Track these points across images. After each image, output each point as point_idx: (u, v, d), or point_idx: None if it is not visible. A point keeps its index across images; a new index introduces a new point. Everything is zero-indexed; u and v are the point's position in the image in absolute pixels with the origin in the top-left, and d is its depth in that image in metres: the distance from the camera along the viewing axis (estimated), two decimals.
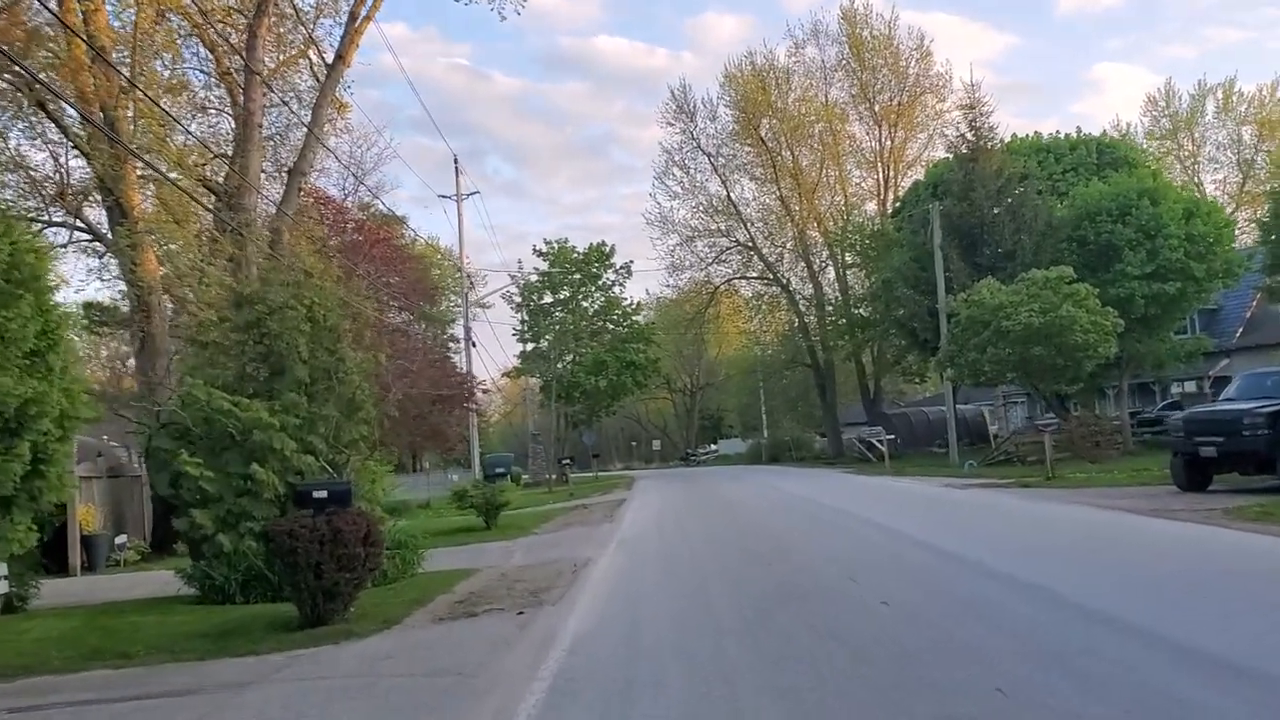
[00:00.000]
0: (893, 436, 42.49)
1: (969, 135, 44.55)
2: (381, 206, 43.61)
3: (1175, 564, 10.21)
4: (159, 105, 20.81)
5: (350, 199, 42.69)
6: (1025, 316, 32.73)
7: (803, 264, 66.67)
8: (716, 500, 25.93)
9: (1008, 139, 48.08)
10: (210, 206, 23.22)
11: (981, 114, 44.72)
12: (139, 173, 23.56)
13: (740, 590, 9.79)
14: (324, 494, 10.19)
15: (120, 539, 19.49)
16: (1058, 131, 53.34)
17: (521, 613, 9.84)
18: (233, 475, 13.15)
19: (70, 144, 21.97)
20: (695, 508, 23.65)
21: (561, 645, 7.90)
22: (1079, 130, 53.88)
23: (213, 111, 31.55)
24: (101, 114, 21.89)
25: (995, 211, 41.63)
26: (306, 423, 13.56)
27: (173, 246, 23.96)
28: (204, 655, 9.03)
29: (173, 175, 25.72)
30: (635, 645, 7.66)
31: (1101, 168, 47.74)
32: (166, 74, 27.11)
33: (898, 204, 59.17)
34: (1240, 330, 44.90)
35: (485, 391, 45.14)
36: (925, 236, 42.44)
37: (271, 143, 33.87)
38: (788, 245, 67.75)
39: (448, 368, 39.25)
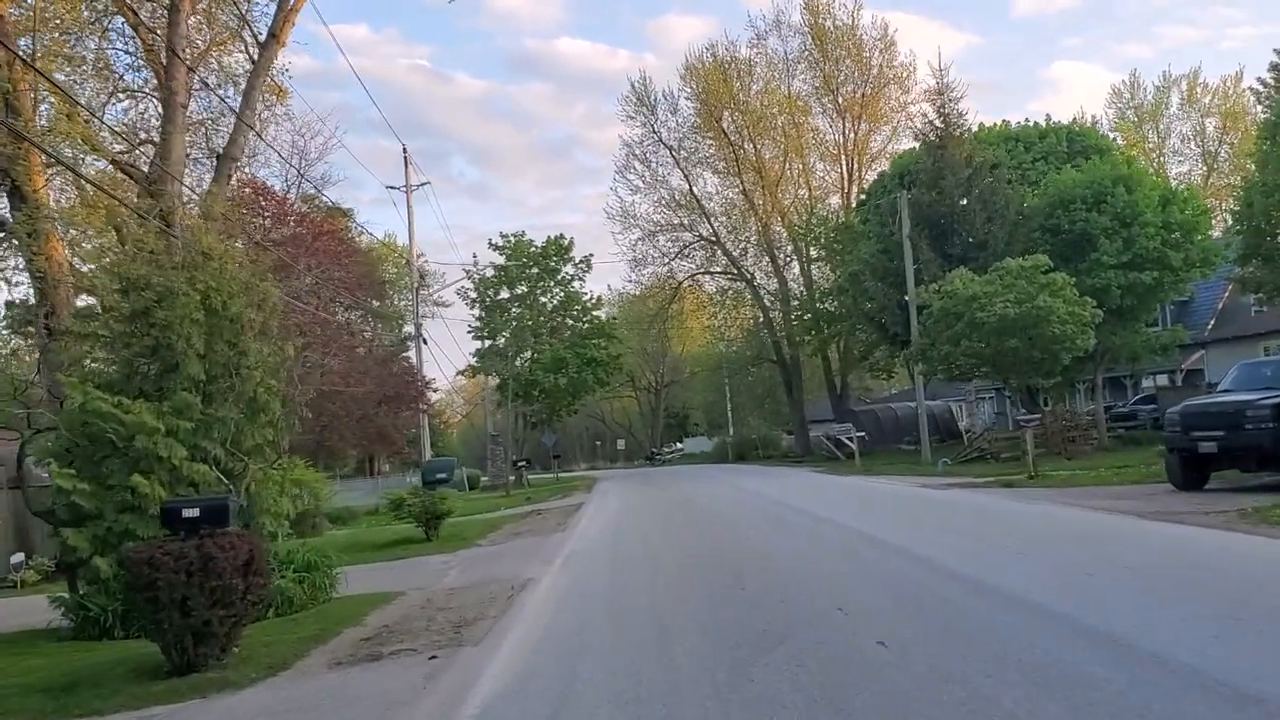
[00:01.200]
0: (862, 434, 41.04)
1: (937, 122, 43.28)
2: (326, 199, 41.63)
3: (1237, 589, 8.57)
4: (49, 79, 18.76)
5: (292, 191, 40.68)
6: (1000, 307, 31.39)
7: (767, 258, 65.35)
8: (679, 503, 24.23)
9: (975, 129, 46.86)
10: (119, 198, 21.16)
11: (950, 100, 43.48)
12: (44, 156, 21.51)
13: (706, 629, 8.06)
14: (195, 512, 8.40)
15: (16, 558, 17.47)
16: (1027, 120, 52.34)
17: (434, 657, 8.11)
18: (115, 489, 11.29)
19: None
20: (656, 512, 21.95)
21: (471, 708, 6.19)
22: (1048, 119, 52.84)
23: (140, 96, 29.55)
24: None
25: (965, 200, 40.34)
26: (201, 426, 11.73)
27: (77, 233, 21.89)
28: (35, 719, 7.24)
29: (88, 159, 23.75)
30: (564, 715, 5.94)
31: (1072, 156, 46.70)
32: (86, 54, 25.00)
33: (863, 197, 57.98)
34: (1212, 322, 44.03)
35: (435, 391, 43.20)
36: (893, 227, 41.07)
37: (204, 128, 31.80)
38: (751, 239, 66.43)
39: (396, 367, 37.39)
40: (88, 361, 12.11)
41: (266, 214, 35.00)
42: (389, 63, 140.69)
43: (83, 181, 24.42)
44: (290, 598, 11.30)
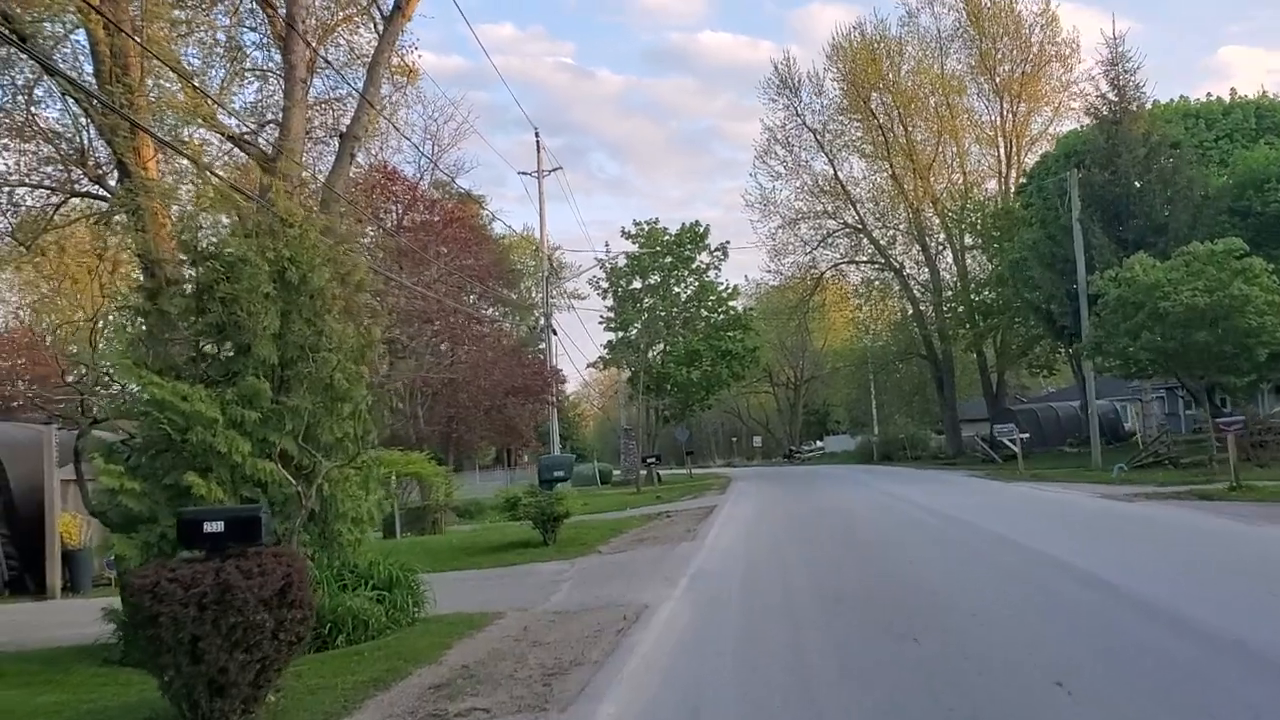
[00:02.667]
0: (1026, 434, 37.55)
1: (1111, 96, 39.32)
2: (459, 187, 40.65)
3: None
4: (145, 46, 17.66)
5: (425, 178, 39.84)
6: (1187, 296, 27.77)
7: (917, 247, 61.80)
8: (824, 514, 21.66)
9: (1149, 105, 42.52)
10: (222, 176, 20.09)
11: (1125, 71, 39.38)
12: (160, 130, 20.68)
13: (870, 714, 5.87)
14: (219, 526, 6.67)
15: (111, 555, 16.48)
16: (1209, 94, 47.53)
17: None
18: (170, 489, 9.80)
19: (68, 94, 19.09)
20: (798, 524, 19.57)
21: None
22: (1233, 93, 47.93)
23: (269, 75, 28.96)
24: (110, 58, 18.99)
25: (1142, 181, 36.43)
26: (272, 417, 10.12)
27: (180, 209, 20.95)
28: None
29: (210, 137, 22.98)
30: None
31: (1261, 133, 42.16)
32: (200, 28, 24.27)
33: (1023, 180, 53.95)
34: None
35: (565, 382, 41.77)
36: (1061, 209, 37.37)
37: (331, 109, 30.95)
38: (900, 227, 62.98)
39: (525, 357, 36.06)
40: (150, 341, 10.63)
41: (397, 199, 34.11)
42: (535, 61, 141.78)
43: (202, 161, 23.71)
44: (365, 620, 9.57)
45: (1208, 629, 7.52)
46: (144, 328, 10.60)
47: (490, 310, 38.83)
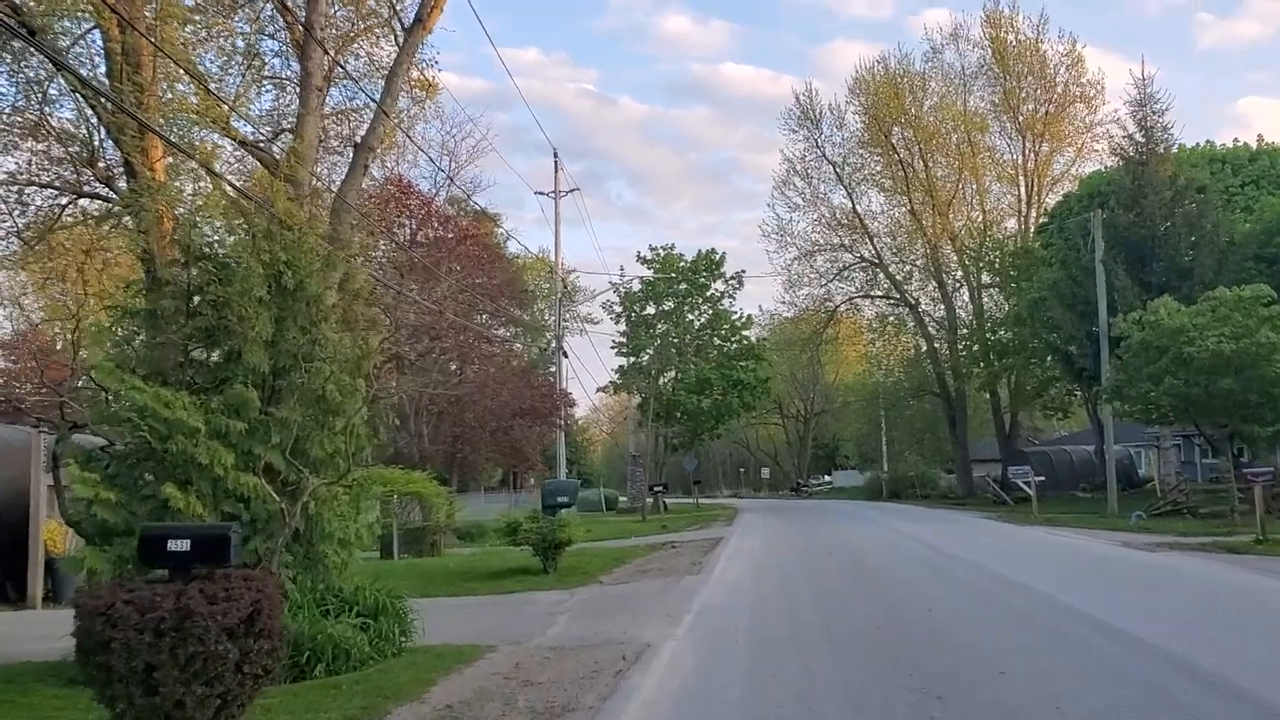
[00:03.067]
0: (1041, 478, 36.76)
1: (1138, 137, 38.77)
2: (475, 204, 40.29)
3: None
4: (158, 45, 17.28)
5: (440, 194, 39.51)
6: (1213, 342, 27.08)
7: (934, 283, 61.18)
8: (834, 551, 20.94)
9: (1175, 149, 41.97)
10: (227, 179, 19.73)
11: (1153, 112, 38.84)
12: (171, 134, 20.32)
13: None
14: (184, 545, 6.10)
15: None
16: (1236, 140, 47.03)
17: None
18: (149, 500, 9.27)
19: (77, 90, 18.75)
20: (806, 562, 18.85)
21: None
22: (1260, 140, 47.45)
23: (286, 83, 28.71)
24: (122, 57, 18.66)
25: (1168, 224, 35.84)
26: (259, 428, 9.59)
27: (184, 211, 20.56)
28: None
29: (214, 139, 22.68)
30: None
31: None
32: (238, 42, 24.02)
33: (1044, 220, 53.44)
34: None
35: (574, 406, 41.17)
36: (1084, 250, 36.76)
37: (348, 119, 30.66)
38: (917, 263, 62.40)
39: (535, 379, 35.53)
40: (136, 344, 10.12)
41: (411, 214, 33.74)
42: (557, 86, 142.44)
43: (215, 166, 23.38)
44: (347, 649, 8.96)
45: (1258, 697, 6.88)
46: (131, 329, 10.10)
47: (501, 330, 38.37)
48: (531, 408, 32.12)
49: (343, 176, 27.74)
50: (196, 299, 9.96)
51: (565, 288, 39.37)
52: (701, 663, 8.80)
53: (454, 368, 35.40)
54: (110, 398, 9.70)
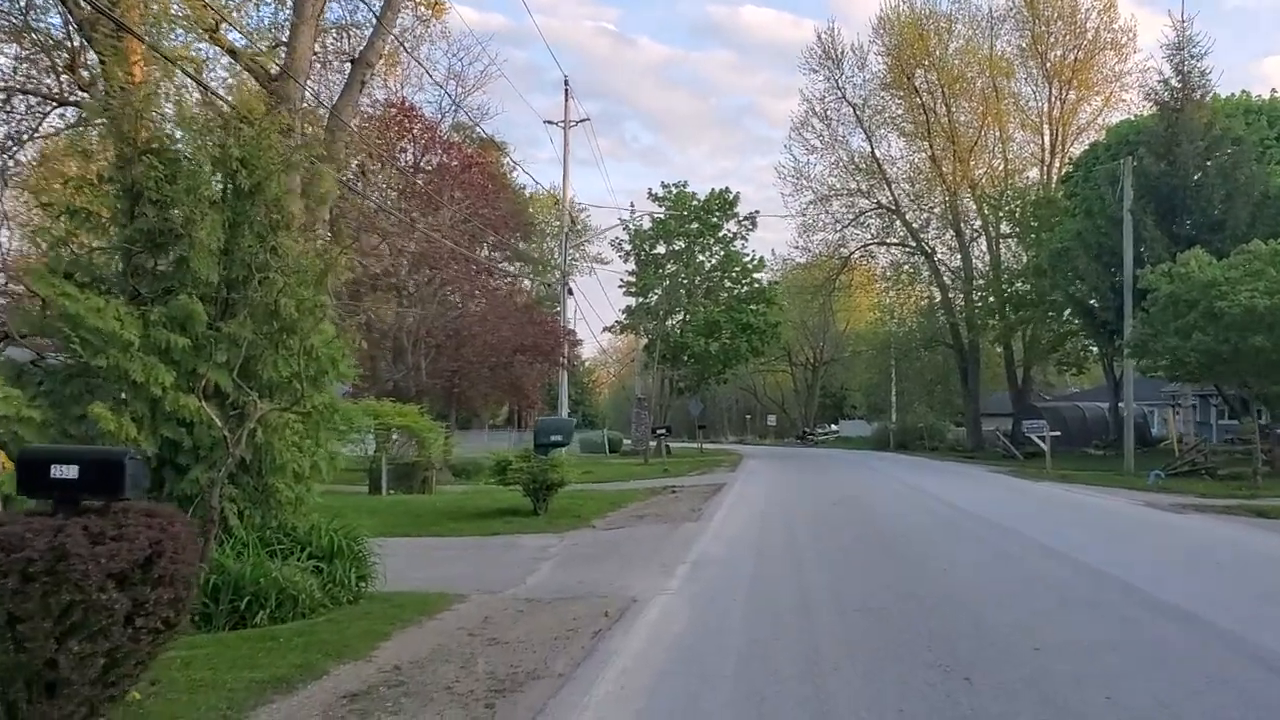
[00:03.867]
0: (1057, 433, 35.69)
1: (1174, 81, 36.98)
2: (481, 131, 38.84)
3: None
4: None
5: (446, 120, 38.08)
6: (1246, 297, 25.79)
7: (951, 232, 59.68)
8: (842, 504, 19.79)
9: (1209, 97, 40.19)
10: (213, 90, 18.52)
11: (1191, 56, 37.03)
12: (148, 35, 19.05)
13: None
14: (70, 471, 5.05)
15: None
16: (1274, 90, 45.16)
17: None
18: (81, 421, 8.23)
19: None
20: (813, 512, 17.83)
21: None
22: None
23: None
24: None
25: (1201, 174, 34.28)
26: (205, 345, 8.52)
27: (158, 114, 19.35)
28: None
29: (200, 47, 21.48)
30: None
31: None
32: None
33: (1069, 168, 51.76)
34: None
35: (578, 343, 40.08)
36: (1112, 199, 35.28)
37: (348, 34, 29.19)
38: (935, 210, 60.83)
39: (538, 315, 34.38)
40: (74, 246, 9.01)
41: (414, 139, 32.38)
42: (575, 24, 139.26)
43: (205, 80, 22.15)
44: (295, 595, 7.97)
45: None
46: (69, 230, 8.98)
47: (505, 264, 37.18)
48: (534, 344, 30.99)
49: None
50: (140, 198, 8.84)
51: (573, 222, 38.07)
52: (693, 624, 7.78)
53: (455, 300, 34.28)
54: (42, 305, 8.64)
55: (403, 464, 23.11)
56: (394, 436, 22.53)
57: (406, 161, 32.46)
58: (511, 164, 41.61)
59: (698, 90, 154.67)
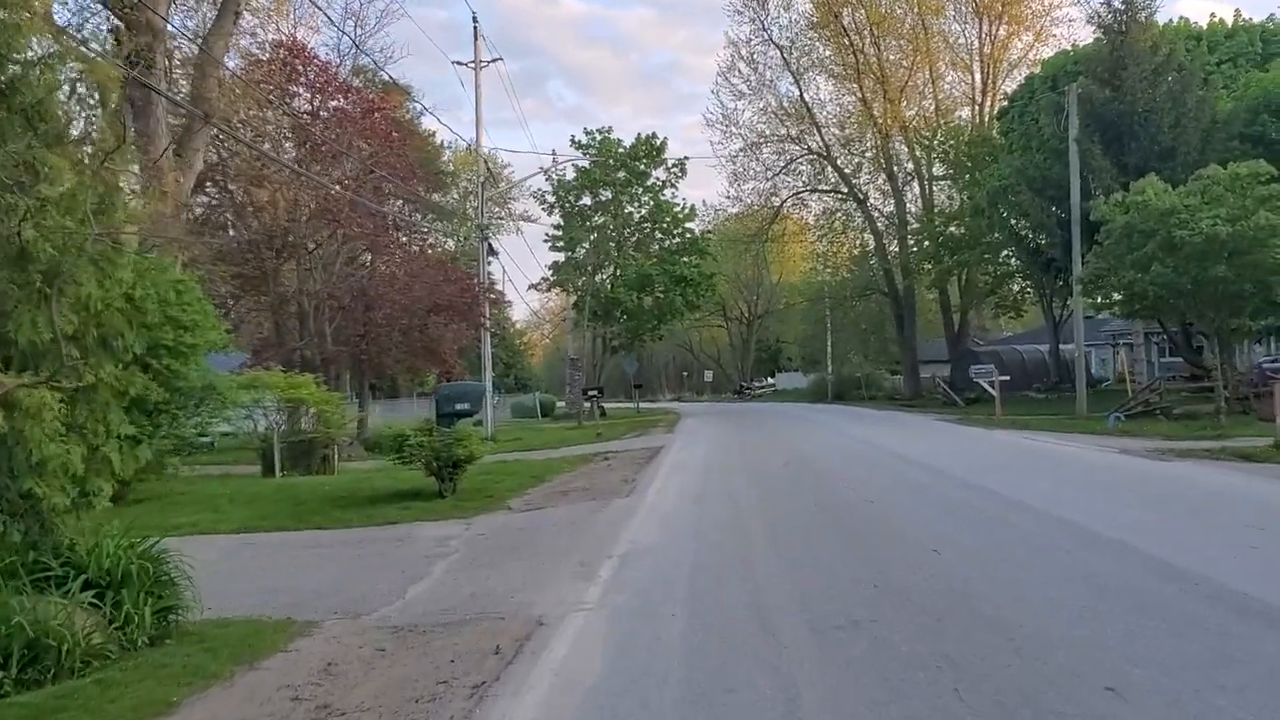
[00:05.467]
0: (1006, 377, 34.25)
1: (1116, 3, 35.28)
2: (385, 75, 35.79)
3: None
4: None
5: (345, 63, 35.03)
6: (1207, 225, 24.28)
7: (883, 176, 58.07)
8: (790, 462, 17.67)
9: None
10: None
11: None
12: None
13: None
14: None
15: None
16: (1212, 15, 43.94)
17: None
18: None
19: None
20: (760, 478, 15.64)
21: None
22: (1237, 15, 44.42)
23: None
24: None
25: (1150, 99, 32.71)
26: None
27: None
28: None
29: None
30: None
31: (1268, 58, 38.74)
32: None
33: (1004, 104, 50.29)
34: None
35: (501, 301, 37.50)
36: (1058, 128, 33.60)
37: None
38: (867, 154, 59.07)
39: (453, 272, 31.75)
40: None
41: (308, 83, 29.33)
42: None
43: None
44: (58, 645, 5.59)
45: None
46: None
47: (415, 216, 34.37)
48: (449, 304, 28.41)
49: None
50: None
51: (489, 171, 35.36)
52: (617, 665, 5.55)
53: (365, 259, 31.53)
54: None
55: (298, 441, 20.58)
56: (271, 410, 19.99)
57: (299, 108, 29.48)
58: (420, 109, 38.68)
59: (620, 48, 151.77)
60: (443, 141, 44.98)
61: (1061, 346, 52.27)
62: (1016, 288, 52.97)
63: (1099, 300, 29.73)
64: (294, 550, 10.63)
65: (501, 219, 65.49)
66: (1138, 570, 7.36)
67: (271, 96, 27.41)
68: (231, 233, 29.74)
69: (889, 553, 8.49)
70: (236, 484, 17.40)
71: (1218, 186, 25.50)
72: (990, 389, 32.61)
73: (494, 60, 32.29)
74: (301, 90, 29.27)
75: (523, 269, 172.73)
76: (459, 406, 14.00)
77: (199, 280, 17.71)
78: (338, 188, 27.33)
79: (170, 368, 15.09)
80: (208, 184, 28.95)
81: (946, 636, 5.69)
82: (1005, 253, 48.38)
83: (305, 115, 29.15)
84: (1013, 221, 37.85)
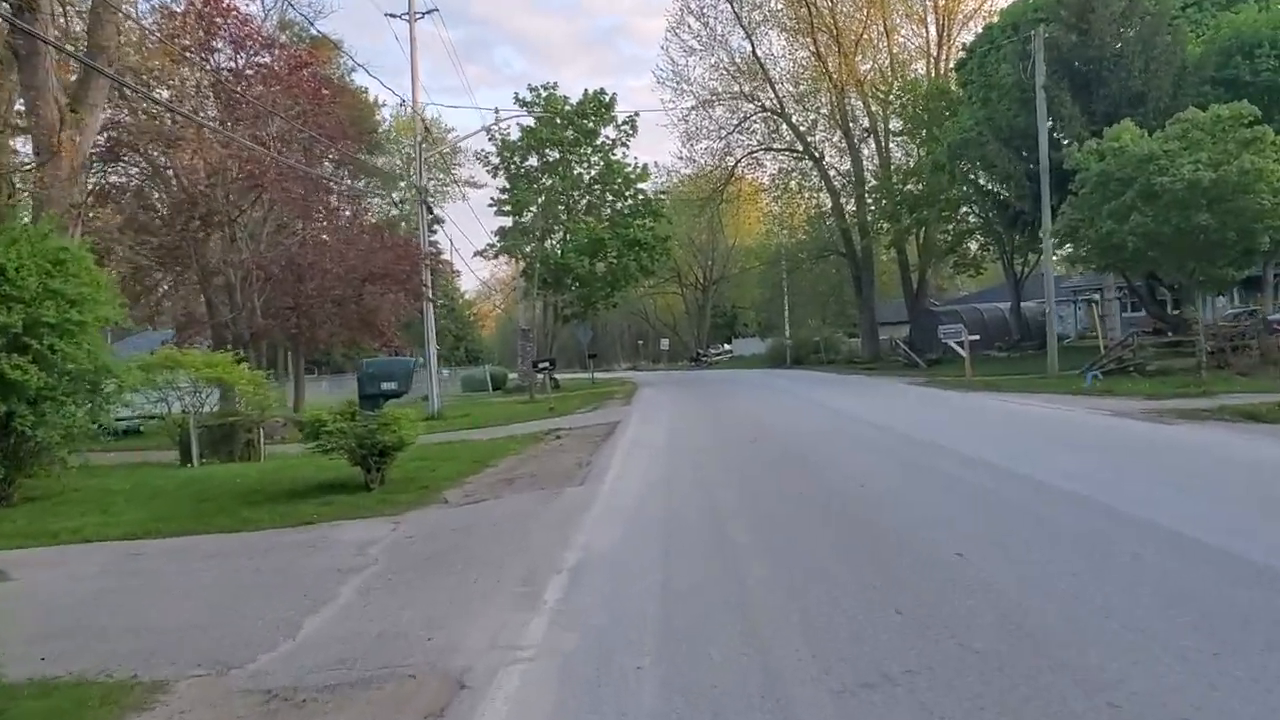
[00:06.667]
0: (976, 337, 32.99)
1: None
2: (314, 30, 33.39)
3: None
4: None
5: (270, 16, 32.62)
6: (1190, 171, 23.02)
7: (839, 133, 56.51)
8: (764, 442, 15.64)
9: None
10: None
11: None
12: None
13: None
14: None
15: None
16: None
17: None
18: None
19: None
20: (731, 460, 13.76)
21: None
22: None
23: None
24: None
25: (1120, 43, 31.36)
26: None
27: None
28: None
29: None
30: None
31: (1232, 1, 37.48)
32: None
33: (962, 55, 48.83)
34: None
35: (439, 269, 35.45)
36: (1024, 75, 32.14)
37: None
38: (822, 112, 57.42)
39: (390, 238, 29.70)
40: None
41: (227, 36, 26.97)
42: None
43: None
44: None
45: None
46: None
47: (350, 180, 32.20)
48: (385, 271, 26.41)
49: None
50: None
51: (427, 130, 33.15)
52: None
53: (298, 226, 29.32)
54: None
55: (217, 424, 18.63)
56: (187, 393, 18.02)
57: (218, 63, 27.16)
58: (351, 64, 36.22)
59: (568, 12, 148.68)
60: (377, 98, 42.55)
61: (1023, 304, 51.28)
62: (975, 245, 51.81)
63: (1071, 253, 28.42)
64: (184, 562, 8.84)
65: (446, 185, 63.22)
66: (1224, 577, 5.81)
67: (188, 53, 25.08)
68: (157, 198, 27.55)
69: (906, 562, 6.86)
70: (144, 476, 15.46)
71: (1198, 130, 24.25)
72: (960, 349, 31.27)
73: (430, 11, 30.08)
74: (221, 46, 26.93)
75: (471, 238, 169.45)
76: (385, 386, 12.19)
77: (90, 249, 15.65)
78: (260, 149, 25.14)
79: (54, 348, 13.14)
80: (123, 149, 26.75)
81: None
82: (964, 209, 47.18)
83: (227, 73, 26.87)
84: (975, 175, 36.42)
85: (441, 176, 61.02)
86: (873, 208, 53.88)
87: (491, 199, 44.49)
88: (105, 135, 27.09)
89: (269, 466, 16.16)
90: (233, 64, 27.42)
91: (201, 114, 26.62)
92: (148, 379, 16.92)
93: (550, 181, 42.92)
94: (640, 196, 45.63)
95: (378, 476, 12.28)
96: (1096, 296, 49.20)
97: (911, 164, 53.02)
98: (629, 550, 7.70)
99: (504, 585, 6.85)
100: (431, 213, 31.85)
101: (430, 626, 5.92)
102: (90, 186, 27.79)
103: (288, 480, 13.72)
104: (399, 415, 12.23)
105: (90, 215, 27.98)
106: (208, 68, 26.58)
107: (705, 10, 56.69)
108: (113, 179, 27.73)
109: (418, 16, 30.61)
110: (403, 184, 41.84)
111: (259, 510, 11.47)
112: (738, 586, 6.35)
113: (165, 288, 26.87)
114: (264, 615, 6.62)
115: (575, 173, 43.58)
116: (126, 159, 27.23)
